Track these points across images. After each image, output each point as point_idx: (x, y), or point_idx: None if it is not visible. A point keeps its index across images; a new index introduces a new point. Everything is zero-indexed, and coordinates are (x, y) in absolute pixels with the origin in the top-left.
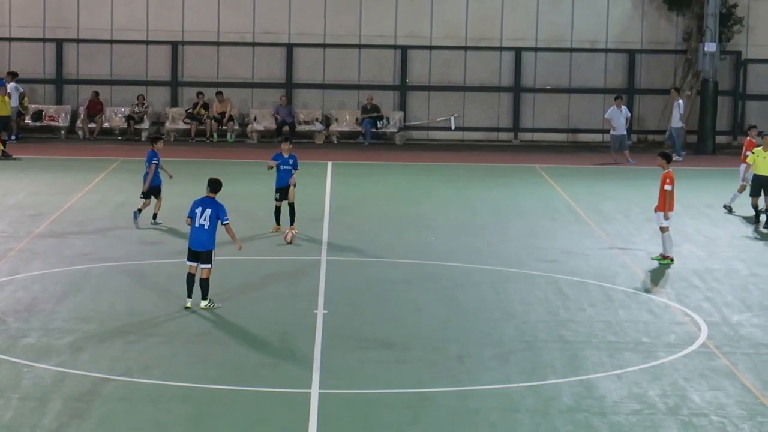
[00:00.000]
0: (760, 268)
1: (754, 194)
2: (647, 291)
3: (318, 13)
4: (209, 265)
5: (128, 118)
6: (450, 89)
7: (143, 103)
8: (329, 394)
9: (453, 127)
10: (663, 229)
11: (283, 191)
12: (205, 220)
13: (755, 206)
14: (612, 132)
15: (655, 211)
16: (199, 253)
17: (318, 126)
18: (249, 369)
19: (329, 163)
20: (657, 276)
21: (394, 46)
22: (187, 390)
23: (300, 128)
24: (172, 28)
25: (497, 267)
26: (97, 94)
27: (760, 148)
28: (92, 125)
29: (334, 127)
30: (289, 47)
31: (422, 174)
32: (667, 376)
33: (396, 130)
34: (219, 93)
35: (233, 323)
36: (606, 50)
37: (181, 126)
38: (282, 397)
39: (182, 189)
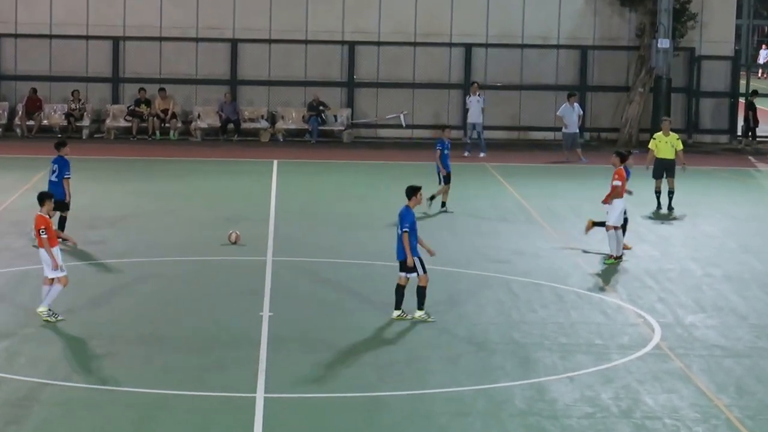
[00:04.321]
0: (714, 268)
1: (656, 176)
2: (600, 292)
3: (263, 8)
4: (404, 275)
5: (68, 115)
6: (399, 86)
7: (79, 99)
8: (275, 398)
9: (404, 125)
10: (608, 228)
11: (447, 176)
12: (399, 228)
13: (657, 190)
14: (564, 130)
15: (603, 203)
16: (401, 263)
17: (263, 123)
18: (192, 373)
19: (275, 162)
20: (610, 276)
21: (341, 42)
22: (129, 395)
23: (245, 126)
24: (113, 23)
25: (447, 268)
26: (35, 90)
27: (660, 133)
28: (31, 123)
29: (280, 125)
30: (234, 43)
31: (370, 173)
32: (620, 378)
33: (344, 128)
34: (161, 90)
35: (176, 326)
36: (558, 46)
37: (123, 123)
38: (226, 401)
39: (124, 187)
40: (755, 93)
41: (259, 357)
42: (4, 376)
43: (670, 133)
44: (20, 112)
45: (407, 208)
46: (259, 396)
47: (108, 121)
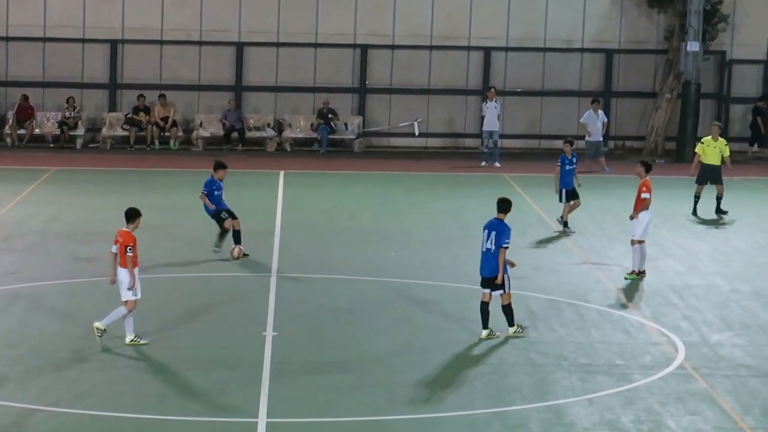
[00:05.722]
0: (743, 283)
1: (700, 182)
2: (622, 309)
3: (271, 9)
4: (501, 291)
5: (61, 123)
6: (413, 92)
7: (74, 107)
8: (278, 423)
9: (417, 133)
10: (633, 242)
11: (571, 192)
12: (491, 243)
13: (698, 195)
14: (587, 138)
15: (630, 219)
16: (490, 279)
17: (269, 132)
18: (191, 397)
19: (281, 173)
20: (632, 293)
21: (353, 45)
22: (124, 421)
23: (250, 135)
24: (111, 25)
25: (461, 284)
26: (26, 97)
27: (709, 138)
28: (22, 132)
29: (287, 134)
30: (239, 46)
31: (382, 184)
32: (641, 400)
33: (354, 137)
34: (162, 96)
35: (174, 347)
36: (582, 50)
37: (120, 132)
38: (227, 427)
39: (119, 200)
40: (764, 98)
41: (261, 379)
42: None
43: (719, 138)
44: (10, 121)
45: (501, 221)
46: (261, 421)
47: (104, 130)
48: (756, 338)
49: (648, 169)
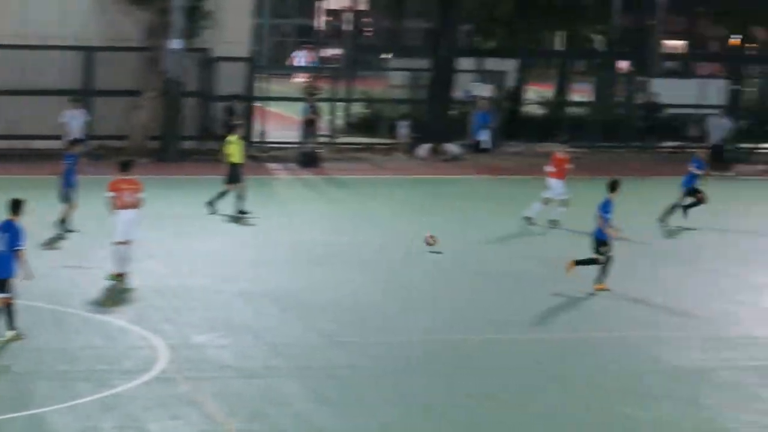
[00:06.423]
0: (227, 284)
1: (235, 181)
2: (103, 313)
3: None
4: (6, 294)
5: None
6: None
7: None
8: None
9: None
10: (114, 244)
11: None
12: (4, 245)
13: (226, 192)
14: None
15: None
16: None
17: None
18: None
19: None
20: (114, 296)
21: None
22: None
23: None
24: None
25: None
26: None
27: (236, 137)
28: None
29: None
30: None
31: None
32: (123, 406)
33: None
34: None
35: None
36: (62, 47)
37: None
38: None
39: None
40: (236, 97)
41: None
42: None
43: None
44: None
45: (13, 223)
46: None
47: None
48: (240, 339)
49: (124, 168)
